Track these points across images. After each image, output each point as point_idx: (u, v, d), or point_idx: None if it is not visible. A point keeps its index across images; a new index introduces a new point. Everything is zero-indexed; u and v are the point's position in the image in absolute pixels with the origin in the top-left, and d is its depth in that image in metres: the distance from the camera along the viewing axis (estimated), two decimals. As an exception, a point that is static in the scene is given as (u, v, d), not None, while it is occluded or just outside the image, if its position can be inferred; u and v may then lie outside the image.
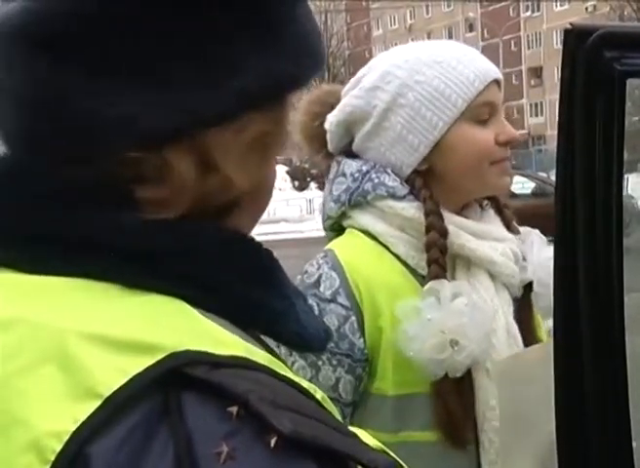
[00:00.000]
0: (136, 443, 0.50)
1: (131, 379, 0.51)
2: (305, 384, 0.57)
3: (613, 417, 0.78)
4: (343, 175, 1.41)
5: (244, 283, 0.61)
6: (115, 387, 0.51)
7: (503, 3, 54.63)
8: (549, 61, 53.58)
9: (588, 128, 0.69)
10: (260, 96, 0.61)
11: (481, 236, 1.39)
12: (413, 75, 1.38)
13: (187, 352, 0.53)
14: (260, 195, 0.68)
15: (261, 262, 0.63)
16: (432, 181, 1.39)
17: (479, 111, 1.37)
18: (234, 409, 0.50)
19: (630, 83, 0.68)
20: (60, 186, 0.59)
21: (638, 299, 0.85)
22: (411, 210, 1.37)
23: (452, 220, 1.38)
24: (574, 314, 0.77)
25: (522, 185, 14.56)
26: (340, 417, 0.61)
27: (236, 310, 0.60)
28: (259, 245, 0.64)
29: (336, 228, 1.46)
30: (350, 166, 1.41)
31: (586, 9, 42.20)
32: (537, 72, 56.09)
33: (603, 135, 0.69)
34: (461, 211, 1.41)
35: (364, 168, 1.40)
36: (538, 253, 1.42)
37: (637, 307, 0.84)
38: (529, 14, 56.25)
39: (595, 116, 0.69)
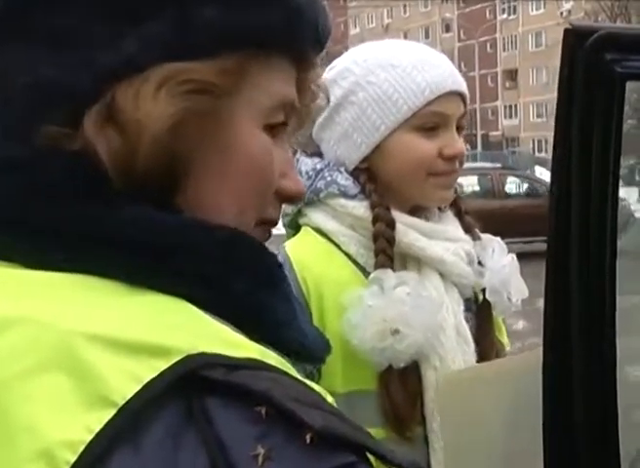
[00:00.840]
0: (164, 454, 0.48)
1: (145, 385, 0.49)
2: (317, 387, 0.56)
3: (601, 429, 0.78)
4: (299, 172, 1.41)
5: (249, 283, 0.58)
6: (129, 395, 0.48)
7: (480, 5, 54.88)
8: (524, 64, 53.92)
9: (586, 129, 0.69)
10: (178, 44, 0.58)
11: (432, 236, 1.39)
12: (367, 75, 1.38)
13: (203, 354, 0.50)
14: (227, 163, 0.60)
15: (265, 264, 0.61)
16: (376, 180, 1.40)
17: (425, 121, 1.36)
18: (262, 409, 0.49)
19: (630, 86, 0.68)
20: (39, 174, 0.56)
21: (629, 302, 0.85)
22: (361, 209, 1.38)
23: (401, 219, 1.38)
24: (565, 316, 0.77)
25: (516, 186, 14.63)
26: None
27: (241, 312, 0.57)
28: (262, 245, 0.61)
29: (293, 226, 1.47)
30: (306, 164, 1.42)
31: (561, 14, 42.47)
32: (512, 75, 56.41)
33: (601, 136, 0.69)
34: (418, 211, 1.42)
35: (318, 166, 1.42)
36: (495, 261, 1.42)
37: (629, 309, 0.84)
38: (505, 16, 56.53)
39: (593, 117, 0.69)
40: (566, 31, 0.67)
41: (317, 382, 1.35)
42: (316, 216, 1.41)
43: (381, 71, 1.37)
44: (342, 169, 1.41)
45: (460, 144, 1.39)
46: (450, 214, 1.46)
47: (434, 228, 1.40)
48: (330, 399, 0.56)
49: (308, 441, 0.49)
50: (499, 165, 17.31)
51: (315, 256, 1.38)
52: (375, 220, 1.37)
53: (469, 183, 13.08)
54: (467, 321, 1.40)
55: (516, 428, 1.15)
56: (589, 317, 0.75)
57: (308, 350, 0.63)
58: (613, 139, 0.69)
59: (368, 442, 0.53)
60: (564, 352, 0.77)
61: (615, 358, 0.77)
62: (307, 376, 1.39)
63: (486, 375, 1.23)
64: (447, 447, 1.24)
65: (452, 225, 1.44)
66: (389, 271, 1.33)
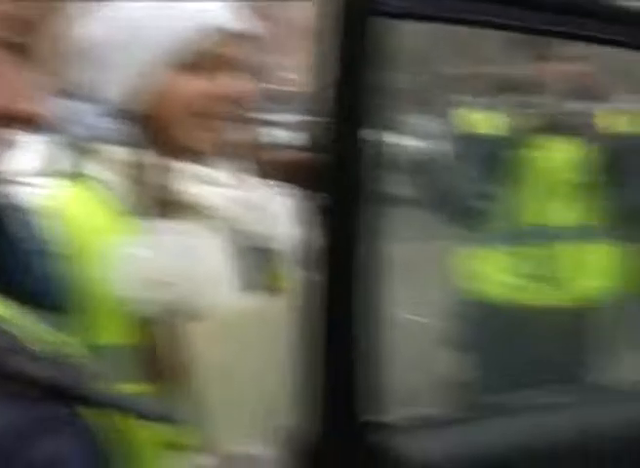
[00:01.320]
0: None
1: None
2: (52, 337, 0.54)
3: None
4: None
5: None
6: None
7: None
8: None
9: (342, 77, 0.67)
10: None
11: (204, 181, 1.36)
12: None
13: None
14: None
15: None
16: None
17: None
18: None
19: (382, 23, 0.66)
20: None
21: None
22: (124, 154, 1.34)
23: (170, 166, 1.34)
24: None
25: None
26: None
27: None
28: None
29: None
30: None
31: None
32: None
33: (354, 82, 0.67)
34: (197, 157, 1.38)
35: (81, 108, 1.38)
36: (277, 208, 1.40)
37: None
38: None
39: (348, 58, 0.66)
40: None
41: (78, 334, 1.33)
42: (87, 165, 1.36)
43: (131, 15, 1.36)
44: (101, 113, 1.37)
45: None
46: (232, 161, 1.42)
47: (207, 173, 1.37)
48: (74, 351, 0.54)
49: (17, 390, 0.49)
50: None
51: (84, 209, 1.33)
52: (138, 158, 1.33)
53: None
54: (252, 272, 1.37)
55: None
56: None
57: (42, 298, 0.63)
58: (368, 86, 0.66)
59: (92, 393, 0.51)
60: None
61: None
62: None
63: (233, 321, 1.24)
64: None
65: (222, 169, 1.41)
66: (155, 218, 1.30)
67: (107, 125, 1.36)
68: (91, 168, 1.35)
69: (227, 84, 1.32)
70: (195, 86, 1.33)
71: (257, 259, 1.39)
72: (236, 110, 1.36)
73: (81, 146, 1.36)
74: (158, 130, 1.35)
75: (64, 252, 1.26)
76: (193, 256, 1.27)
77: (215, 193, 1.35)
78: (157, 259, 1.25)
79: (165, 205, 1.31)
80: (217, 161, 1.40)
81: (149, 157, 1.33)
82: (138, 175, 1.32)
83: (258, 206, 1.39)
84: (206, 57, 1.31)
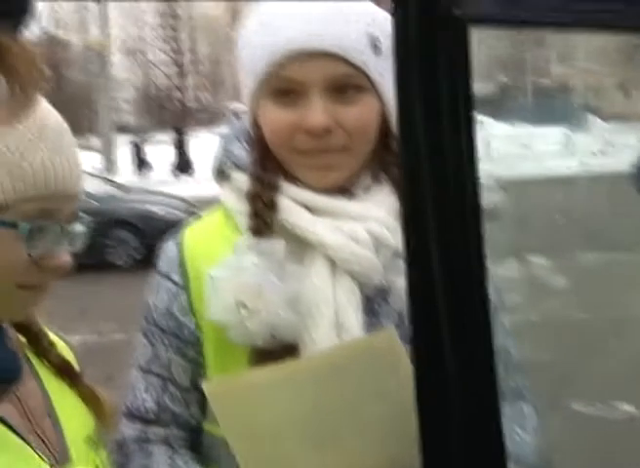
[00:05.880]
0: None
1: None
2: None
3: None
4: None
5: None
6: None
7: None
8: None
9: (429, 92, 0.57)
10: None
11: (323, 213, 1.24)
12: (242, 31, 1.28)
13: None
14: None
15: None
16: (267, 149, 1.29)
17: (278, 85, 1.23)
18: None
19: (475, 32, 0.56)
20: None
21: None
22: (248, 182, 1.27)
23: (288, 191, 1.24)
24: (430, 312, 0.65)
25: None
26: None
27: None
28: None
29: None
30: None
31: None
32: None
33: (447, 98, 0.57)
34: (344, 183, 1.27)
35: (225, 133, 1.32)
36: None
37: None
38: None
39: (436, 77, 0.57)
40: (393, -34, 0.55)
41: (204, 368, 1.28)
42: (222, 192, 1.31)
43: (253, 28, 1.26)
44: (245, 136, 1.30)
45: (318, 117, 1.19)
46: (385, 189, 1.29)
47: (330, 204, 1.24)
48: None
49: None
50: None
51: (209, 234, 1.29)
52: (251, 180, 1.26)
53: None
54: (369, 317, 1.25)
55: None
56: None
57: None
58: (462, 104, 0.57)
59: None
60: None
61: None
62: (190, 362, 1.32)
63: (260, 382, 1.14)
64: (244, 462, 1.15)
65: (375, 201, 1.27)
66: (250, 238, 1.21)
67: (239, 151, 1.28)
68: (224, 194, 1.30)
69: (312, 115, 1.19)
70: (284, 118, 1.21)
71: (378, 303, 1.26)
72: (356, 139, 1.22)
73: (219, 170, 1.31)
74: (277, 161, 1.26)
75: (181, 278, 1.26)
76: (281, 281, 1.18)
77: (327, 225, 1.22)
78: (236, 281, 1.17)
79: (285, 238, 1.21)
80: (374, 190, 1.27)
81: (257, 171, 1.24)
82: (261, 207, 1.23)
83: (389, 244, 1.24)
84: (287, 82, 1.20)
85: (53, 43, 40.65)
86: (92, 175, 15.27)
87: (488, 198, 0.66)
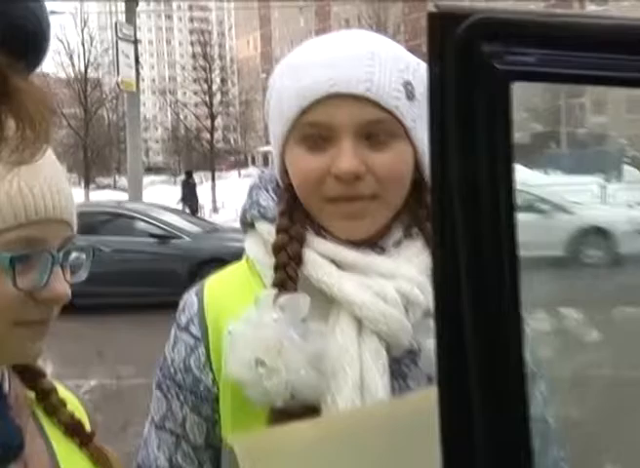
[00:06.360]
0: None
1: None
2: None
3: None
4: None
5: None
6: None
7: (568, -5, 53.75)
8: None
9: (465, 148, 0.55)
10: None
11: (351, 268, 1.20)
12: (274, 78, 1.25)
13: None
14: None
15: None
16: (295, 200, 1.25)
17: (305, 132, 1.20)
18: None
19: (517, 87, 0.54)
20: None
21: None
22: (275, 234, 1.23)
23: (315, 245, 1.21)
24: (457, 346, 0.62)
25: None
26: None
27: None
28: None
29: None
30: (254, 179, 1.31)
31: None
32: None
33: (487, 157, 0.55)
34: (374, 237, 1.24)
35: (253, 182, 1.29)
36: None
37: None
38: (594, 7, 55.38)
39: (474, 132, 0.55)
40: (430, 16, 0.53)
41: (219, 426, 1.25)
42: (247, 243, 1.28)
43: (283, 72, 1.24)
44: (273, 185, 1.28)
45: (347, 162, 1.16)
46: (418, 243, 1.24)
47: (358, 259, 1.20)
48: None
49: None
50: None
51: (231, 286, 1.26)
52: (277, 232, 1.21)
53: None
54: (397, 380, 1.20)
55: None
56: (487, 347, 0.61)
57: None
58: (501, 158, 0.55)
59: None
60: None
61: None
62: (206, 420, 1.28)
63: (294, 439, 1.09)
64: None
65: (407, 256, 1.23)
66: (272, 291, 1.17)
67: (266, 201, 1.26)
68: (248, 245, 1.28)
69: (343, 160, 1.15)
70: (313, 163, 1.18)
71: (406, 365, 1.21)
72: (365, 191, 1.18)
73: (245, 220, 1.28)
74: (305, 212, 1.23)
75: (200, 331, 1.23)
76: (303, 339, 1.13)
77: (354, 282, 1.17)
78: (254, 337, 1.13)
79: (310, 293, 1.17)
80: (405, 245, 1.23)
81: (284, 221, 1.21)
82: (286, 259, 1.19)
83: (420, 304, 1.19)
84: (315, 128, 1.18)
85: (85, 82, 41.30)
86: (182, 212, 15.33)
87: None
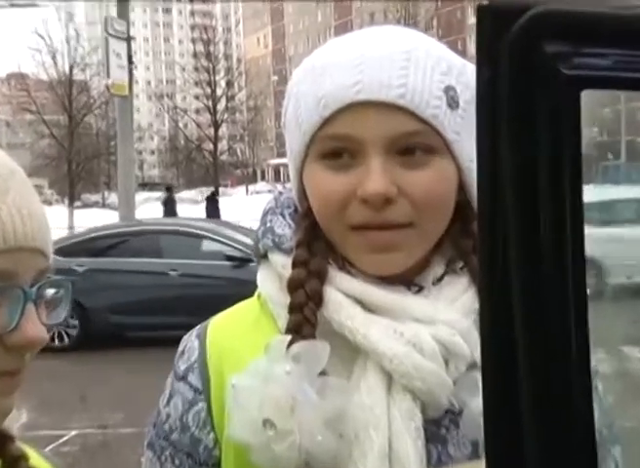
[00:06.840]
0: None
1: None
2: None
3: None
4: None
5: None
6: None
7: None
8: None
9: (523, 162, 0.52)
10: None
11: (382, 311, 1.15)
12: (292, 84, 1.23)
13: None
14: None
15: None
16: (316, 227, 1.21)
17: (325, 146, 1.17)
18: None
19: (586, 95, 0.51)
20: None
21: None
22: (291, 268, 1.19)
23: (338, 282, 1.17)
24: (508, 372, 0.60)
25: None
26: None
27: None
28: None
29: None
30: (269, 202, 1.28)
31: None
32: None
33: (548, 173, 0.52)
34: (409, 272, 1.20)
35: (267, 206, 1.26)
36: None
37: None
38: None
39: (534, 150, 0.52)
40: (480, 9, 0.51)
41: None
42: (259, 276, 1.25)
43: (302, 77, 1.21)
44: (291, 210, 1.25)
45: (376, 183, 1.12)
46: (463, 280, 1.20)
47: (389, 300, 1.15)
48: None
49: None
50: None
51: (237, 328, 1.24)
52: (294, 266, 1.18)
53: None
54: (435, 446, 1.16)
55: None
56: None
57: None
58: (566, 178, 0.52)
59: None
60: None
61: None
62: None
63: None
64: None
65: (451, 296, 1.18)
66: (285, 338, 1.13)
67: (282, 229, 1.23)
68: (261, 280, 1.25)
69: (370, 180, 1.11)
70: (336, 184, 1.14)
71: (446, 428, 1.17)
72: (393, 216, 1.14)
73: (258, 251, 1.25)
74: (327, 242, 1.19)
75: (201, 382, 1.21)
76: (347, 405, 1.10)
77: (382, 328, 1.13)
78: (261, 394, 1.09)
79: (330, 340, 1.13)
80: (447, 281, 1.19)
81: (302, 253, 1.18)
82: (303, 299, 1.16)
83: (463, 355, 1.14)
84: (337, 141, 1.14)
85: (69, 85, 41.64)
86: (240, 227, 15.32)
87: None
